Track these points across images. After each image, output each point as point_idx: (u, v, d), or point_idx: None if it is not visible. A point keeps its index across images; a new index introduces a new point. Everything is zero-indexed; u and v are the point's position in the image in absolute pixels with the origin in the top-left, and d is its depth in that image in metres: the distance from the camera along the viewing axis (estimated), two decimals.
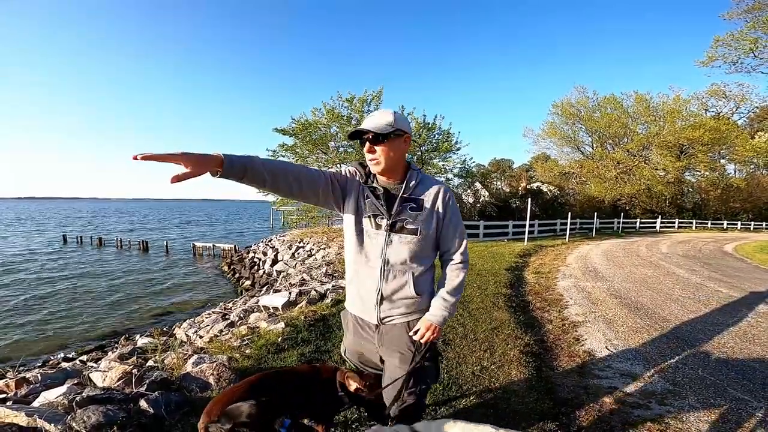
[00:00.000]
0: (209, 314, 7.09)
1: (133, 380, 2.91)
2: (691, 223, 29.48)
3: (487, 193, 23.10)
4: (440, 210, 1.58)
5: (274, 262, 15.16)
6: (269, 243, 18.44)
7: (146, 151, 1.05)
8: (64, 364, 5.69)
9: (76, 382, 3.31)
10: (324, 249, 13.92)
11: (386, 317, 1.60)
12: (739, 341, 3.92)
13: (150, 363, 3.59)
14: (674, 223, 28.82)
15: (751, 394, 2.84)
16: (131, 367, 3.33)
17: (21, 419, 2.23)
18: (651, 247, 13.59)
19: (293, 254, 15.10)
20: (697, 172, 30.24)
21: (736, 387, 2.94)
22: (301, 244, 15.78)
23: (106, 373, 3.25)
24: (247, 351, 3.51)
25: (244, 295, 10.80)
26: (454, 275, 1.61)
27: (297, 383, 1.72)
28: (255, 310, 5.89)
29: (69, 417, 2.22)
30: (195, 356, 3.29)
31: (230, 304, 8.26)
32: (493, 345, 3.68)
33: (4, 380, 3.81)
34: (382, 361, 1.72)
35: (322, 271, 8.53)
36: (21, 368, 6.15)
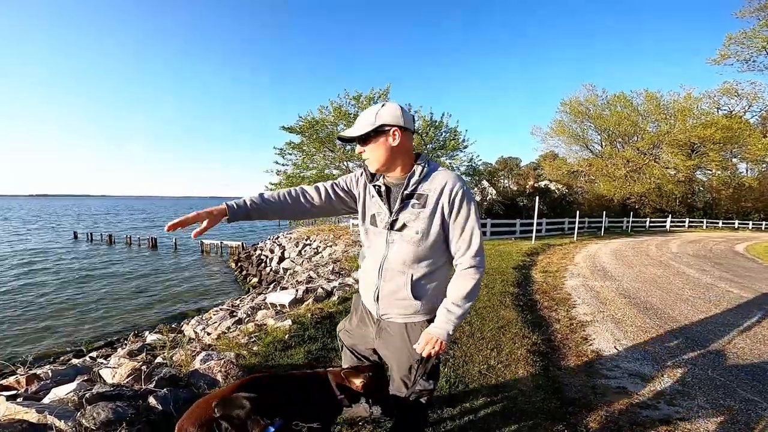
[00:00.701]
0: (217, 311, 7.15)
1: (143, 377, 2.90)
2: (702, 222, 29.10)
3: (494, 192, 22.98)
4: (445, 205, 1.43)
5: (281, 259, 15.25)
6: (276, 240, 18.56)
7: (173, 221, 1.32)
8: (75, 361, 5.74)
9: (86, 378, 3.32)
10: (331, 246, 13.98)
11: (384, 314, 1.58)
12: (750, 342, 3.87)
13: (159, 360, 3.58)
14: (684, 222, 28.45)
15: (761, 395, 2.80)
16: (140, 363, 3.34)
17: (31, 416, 2.25)
18: (661, 246, 13.44)
19: (300, 252, 15.18)
20: (709, 171, 29.84)
21: (746, 388, 2.91)
22: (308, 242, 15.87)
23: (116, 370, 3.27)
24: (254, 348, 3.53)
25: (251, 293, 10.88)
26: (460, 282, 1.46)
27: (293, 387, 1.62)
28: (262, 307, 5.93)
29: (79, 413, 2.23)
30: (203, 353, 3.29)
31: (238, 302, 8.32)
32: (500, 344, 3.66)
33: (15, 377, 3.83)
34: (374, 352, 1.75)
35: (329, 268, 8.56)
36: (31, 365, 6.27)
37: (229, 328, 4.96)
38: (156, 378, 2.80)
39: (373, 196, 1.55)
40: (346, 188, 1.62)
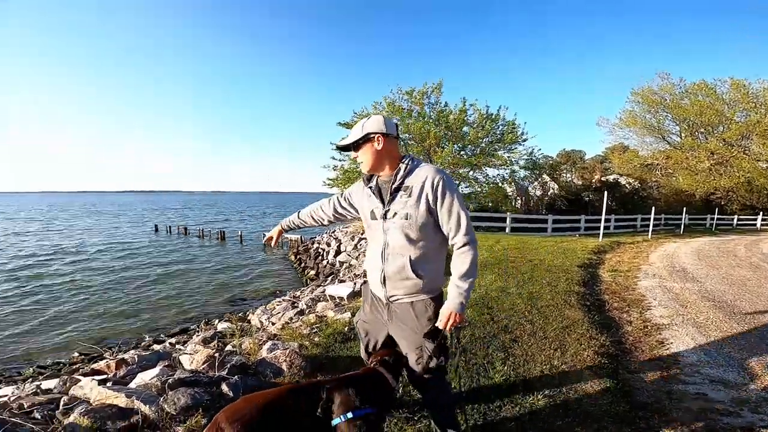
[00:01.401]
0: (280, 302, 7.53)
1: (216, 364, 3.08)
2: None
3: (556, 186, 21.83)
4: (428, 194, 1.64)
5: (337, 252, 15.66)
6: (333, 234, 19.06)
7: (266, 238, 2.34)
8: (156, 347, 6.27)
9: (167, 364, 3.54)
10: None
11: (392, 296, 1.77)
12: None
13: (229, 348, 3.78)
14: None
15: None
16: (214, 351, 3.53)
17: (121, 400, 2.42)
18: (750, 246, 11.97)
19: (356, 245, 15.49)
20: None
21: None
22: (363, 236, 16.15)
23: (193, 356, 3.47)
24: (316, 339, 3.66)
25: (310, 285, 11.33)
26: (460, 260, 1.67)
27: (368, 383, 1.74)
28: (322, 299, 6.17)
29: (161, 399, 2.38)
30: (269, 342, 3.46)
31: (298, 293, 8.71)
32: (564, 344, 3.50)
33: (105, 361, 4.22)
34: (389, 338, 1.91)
35: None
36: (117, 349, 7.00)
37: (291, 318, 5.20)
38: (228, 365, 2.96)
39: (369, 196, 1.82)
40: (348, 198, 2.02)
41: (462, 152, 15.92)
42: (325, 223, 2.15)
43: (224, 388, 2.58)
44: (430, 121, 15.37)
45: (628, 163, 26.65)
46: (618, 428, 2.26)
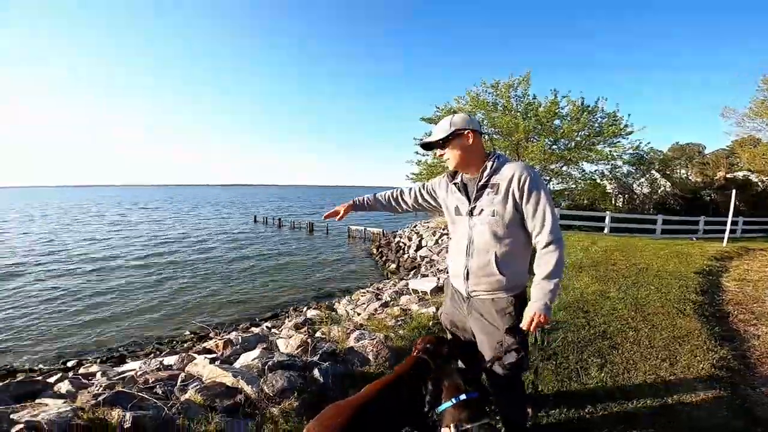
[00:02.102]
0: (364, 293, 7.82)
1: (309, 349, 3.24)
2: None
3: (668, 183, 19.30)
4: (515, 190, 1.65)
5: (419, 247, 15.75)
6: (414, 229, 19.21)
7: (328, 212, 2.20)
8: (254, 329, 6.89)
9: (264, 346, 3.82)
10: None
11: (473, 291, 1.79)
12: None
13: (318, 334, 3.97)
14: None
15: None
16: (306, 336, 3.74)
17: (228, 379, 2.59)
18: None
19: (437, 241, 15.43)
20: None
21: None
22: (445, 232, 16.00)
23: (288, 341, 3.70)
24: (400, 332, 3.71)
25: (392, 278, 11.57)
26: (545, 260, 1.63)
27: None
28: (405, 292, 6.27)
29: (261, 380, 2.56)
30: (357, 332, 3.59)
31: (381, 285, 8.96)
32: (674, 354, 3.18)
33: (214, 341, 4.70)
34: (472, 333, 1.92)
35: None
36: (222, 330, 7.80)
37: (376, 310, 5.35)
38: (320, 352, 3.11)
39: (454, 192, 1.85)
40: (431, 191, 2.03)
41: (554, 146, 14.90)
42: (401, 210, 2.18)
43: (316, 373, 2.71)
44: (518, 114, 14.62)
45: (761, 157, 22.47)
46: None
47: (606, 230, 12.96)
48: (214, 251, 19.69)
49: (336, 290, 12.15)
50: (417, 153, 17.11)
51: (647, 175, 19.50)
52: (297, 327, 5.22)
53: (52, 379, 3.62)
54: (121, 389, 2.40)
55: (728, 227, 11.20)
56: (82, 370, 5.22)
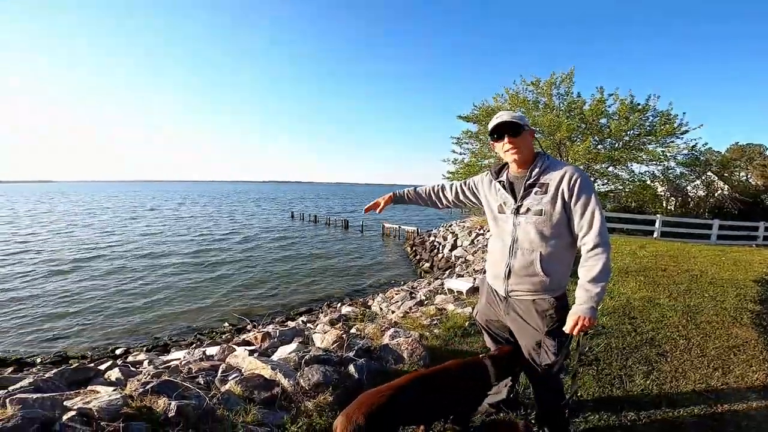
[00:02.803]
0: (398, 291, 7.81)
1: (344, 345, 3.26)
2: None
3: (725, 186, 17.92)
4: (564, 191, 1.63)
5: (453, 247, 15.52)
6: (449, 228, 18.93)
7: (368, 205, 2.25)
8: (290, 323, 7.06)
9: (301, 340, 3.87)
10: None
11: (512, 291, 1.77)
12: None
13: (353, 330, 3.99)
14: None
15: None
16: (341, 332, 3.76)
17: (267, 372, 2.65)
18: None
19: (472, 241, 15.14)
20: None
21: None
22: (481, 232, 15.67)
23: (324, 336, 3.74)
24: (435, 331, 3.69)
25: (426, 277, 11.48)
26: (591, 263, 1.59)
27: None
28: (440, 292, 6.20)
29: (298, 374, 2.60)
30: (391, 329, 3.58)
31: (415, 284, 8.91)
32: (728, 364, 3.03)
33: (253, 333, 4.85)
34: (507, 329, 1.94)
35: None
36: (258, 323, 8.02)
37: (411, 308, 5.32)
38: (355, 348, 3.13)
39: (498, 190, 1.83)
40: (472, 187, 2.02)
41: (599, 146, 14.20)
42: (441, 206, 2.19)
43: (351, 368, 2.73)
44: (561, 112, 14.05)
45: None
46: None
47: (656, 234, 12.22)
48: (254, 245, 20.39)
49: (370, 288, 12.23)
50: (453, 152, 16.88)
51: (703, 177, 18.17)
52: (332, 322, 5.27)
53: (103, 366, 3.80)
54: (167, 378, 2.49)
55: None
56: (130, 358, 5.55)
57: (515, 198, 1.75)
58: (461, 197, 2.09)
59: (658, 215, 13.04)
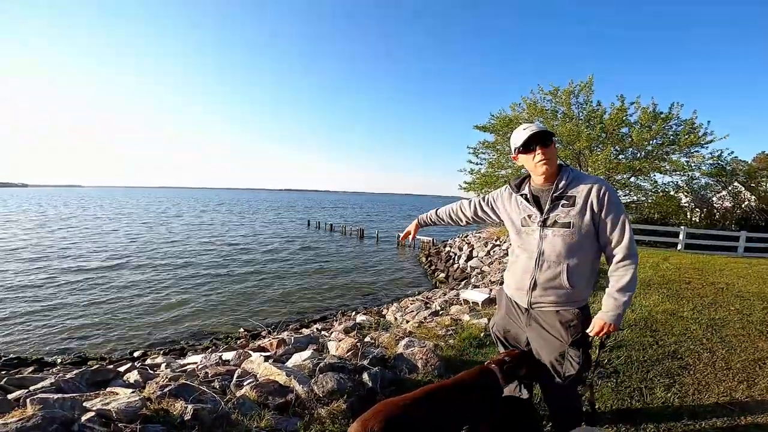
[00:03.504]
0: (413, 301, 7.78)
1: (359, 353, 3.25)
2: None
3: (753, 197, 17.31)
4: (594, 203, 1.64)
5: (469, 258, 15.38)
6: (465, 239, 18.79)
7: (402, 235, 2.43)
8: (304, 330, 7.11)
9: (315, 348, 3.91)
10: None
11: (536, 303, 1.77)
12: None
13: (367, 339, 4.01)
14: None
15: None
16: (356, 340, 3.74)
17: (281, 378, 2.67)
18: None
19: (488, 252, 14.98)
20: None
21: None
22: (497, 243, 15.51)
23: (339, 344, 3.73)
24: (450, 341, 3.66)
25: (441, 287, 11.40)
26: (620, 273, 1.64)
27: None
28: (455, 302, 6.15)
29: (312, 381, 2.62)
30: (406, 339, 3.57)
31: (430, 294, 8.86)
32: (753, 377, 2.98)
33: (268, 339, 4.88)
34: (524, 341, 1.93)
35: None
36: (273, 329, 8.08)
37: (426, 318, 5.29)
38: (370, 357, 3.13)
39: (521, 203, 1.83)
40: (491, 202, 2.03)
41: (621, 156, 13.94)
42: (462, 223, 2.24)
43: (365, 377, 2.74)
44: (580, 122, 13.88)
45: None
46: None
47: (680, 246, 11.86)
48: (271, 253, 20.63)
49: (384, 297, 12.21)
50: (470, 162, 16.81)
51: (729, 188, 17.58)
52: (347, 331, 5.27)
53: (122, 368, 3.91)
54: (184, 381, 2.53)
55: None
56: (148, 361, 5.66)
57: (541, 211, 1.74)
58: (479, 213, 2.11)
59: (682, 227, 12.66)
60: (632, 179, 14.43)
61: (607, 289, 1.67)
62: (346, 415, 2.27)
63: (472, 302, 5.57)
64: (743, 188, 17.91)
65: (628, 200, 15.00)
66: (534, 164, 1.74)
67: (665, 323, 4.24)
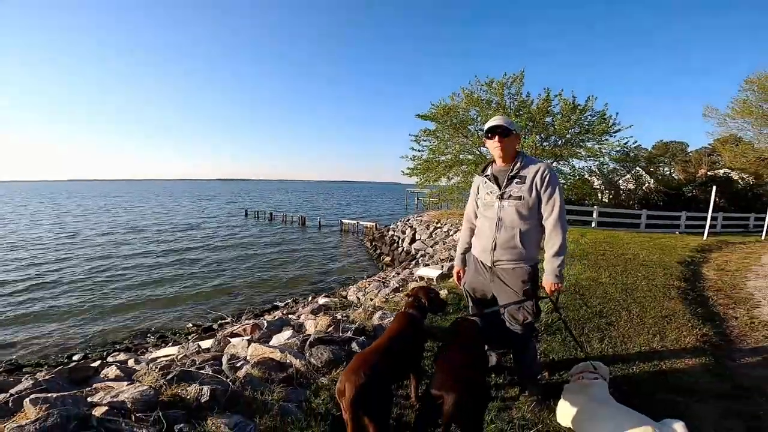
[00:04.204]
0: (370, 281, 8.18)
1: (339, 328, 3.54)
2: None
3: (652, 180, 20.06)
4: (537, 182, 2.13)
5: (412, 240, 16.12)
6: (407, 223, 19.49)
7: (455, 279, 2.69)
8: (267, 317, 7.16)
9: (292, 328, 4.08)
10: (460, 231, 14.29)
11: (497, 260, 2.24)
12: None
13: (339, 316, 4.27)
14: None
15: None
16: (330, 318, 4.02)
17: (276, 355, 2.85)
18: None
19: (431, 234, 15.83)
20: None
21: None
22: (439, 225, 16.41)
23: (317, 321, 3.98)
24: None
25: (392, 269, 11.93)
26: (552, 241, 2.13)
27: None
28: (411, 279, 6.65)
29: (308, 354, 2.85)
30: (379, 312, 3.97)
31: (384, 275, 9.32)
32: (663, 331, 3.63)
33: (240, 326, 4.90)
34: (492, 297, 2.37)
35: None
36: (237, 319, 7.92)
37: (388, 295, 5.73)
38: (350, 330, 3.45)
39: (485, 183, 2.31)
40: (474, 193, 2.44)
41: (545, 143, 15.40)
42: (477, 224, 2.50)
43: (354, 346, 3.08)
44: (510, 111, 15.05)
45: (741, 156, 23.41)
46: (718, 402, 2.43)
47: (593, 224, 13.56)
48: (206, 244, 19.77)
49: (334, 282, 12.38)
50: (413, 149, 17.40)
51: (633, 172, 20.22)
52: (314, 312, 5.47)
53: (94, 365, 3.79)
54: (183, 369, 2.59)
55: (708, 222, 11.92)
56: (110, 359, 5.46)
57: (499, 187, 2.23)
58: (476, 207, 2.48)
59: (595, 207, 14.44)
60: (554, 164, 16.01)
61: (545, 255, 2.15)
62: None
63: (428, 278, 6.10)
64: (644, 172, 20.64)
65: None
66: (492, 149, 2.25)
67: (589, 288, 4.99)
